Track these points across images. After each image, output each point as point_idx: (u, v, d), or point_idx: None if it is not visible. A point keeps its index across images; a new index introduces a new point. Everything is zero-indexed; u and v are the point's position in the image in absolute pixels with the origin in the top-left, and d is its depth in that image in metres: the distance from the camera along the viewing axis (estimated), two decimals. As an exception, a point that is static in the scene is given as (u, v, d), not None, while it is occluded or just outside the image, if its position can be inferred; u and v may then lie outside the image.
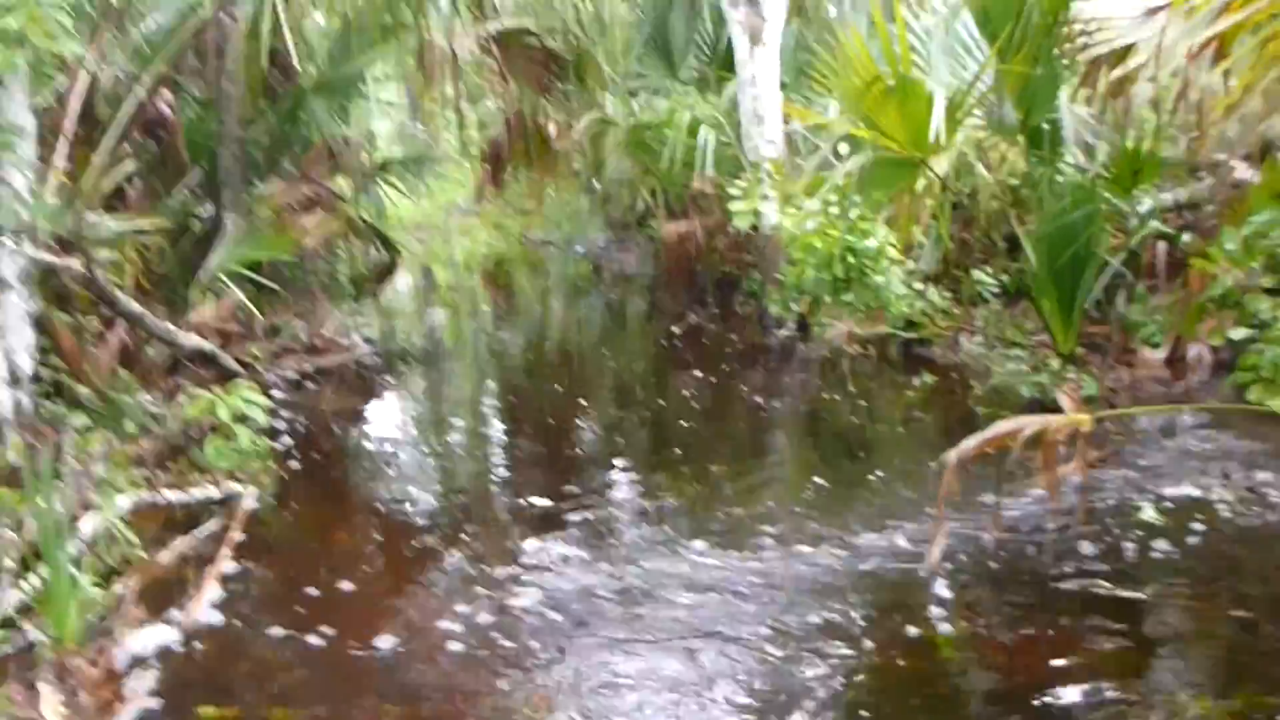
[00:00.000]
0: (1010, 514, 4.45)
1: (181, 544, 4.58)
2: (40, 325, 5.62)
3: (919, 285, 7.83)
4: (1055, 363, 6.44)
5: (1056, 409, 5.44)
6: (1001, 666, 3.40)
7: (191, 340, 7.06)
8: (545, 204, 16.08)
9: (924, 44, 6.72)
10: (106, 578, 4.13)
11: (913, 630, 3.64)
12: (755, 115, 9.21)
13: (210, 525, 4.83)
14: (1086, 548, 4.17)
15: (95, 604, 3.85)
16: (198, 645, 3.78)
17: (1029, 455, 4.02)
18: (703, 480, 5.37)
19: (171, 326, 7.03)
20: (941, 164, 6.40)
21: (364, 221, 10.74)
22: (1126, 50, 5.51)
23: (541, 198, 15.00)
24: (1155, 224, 6.87)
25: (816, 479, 5.39)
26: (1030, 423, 4.01)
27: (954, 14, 6.72)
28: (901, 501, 4.82)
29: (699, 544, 4.44)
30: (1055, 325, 6.54)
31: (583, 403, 7.41)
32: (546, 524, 4.80)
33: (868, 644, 3.57)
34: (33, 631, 3.70)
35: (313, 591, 4.21)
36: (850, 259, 7.31)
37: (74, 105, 6.40)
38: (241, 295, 7.85)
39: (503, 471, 5.88)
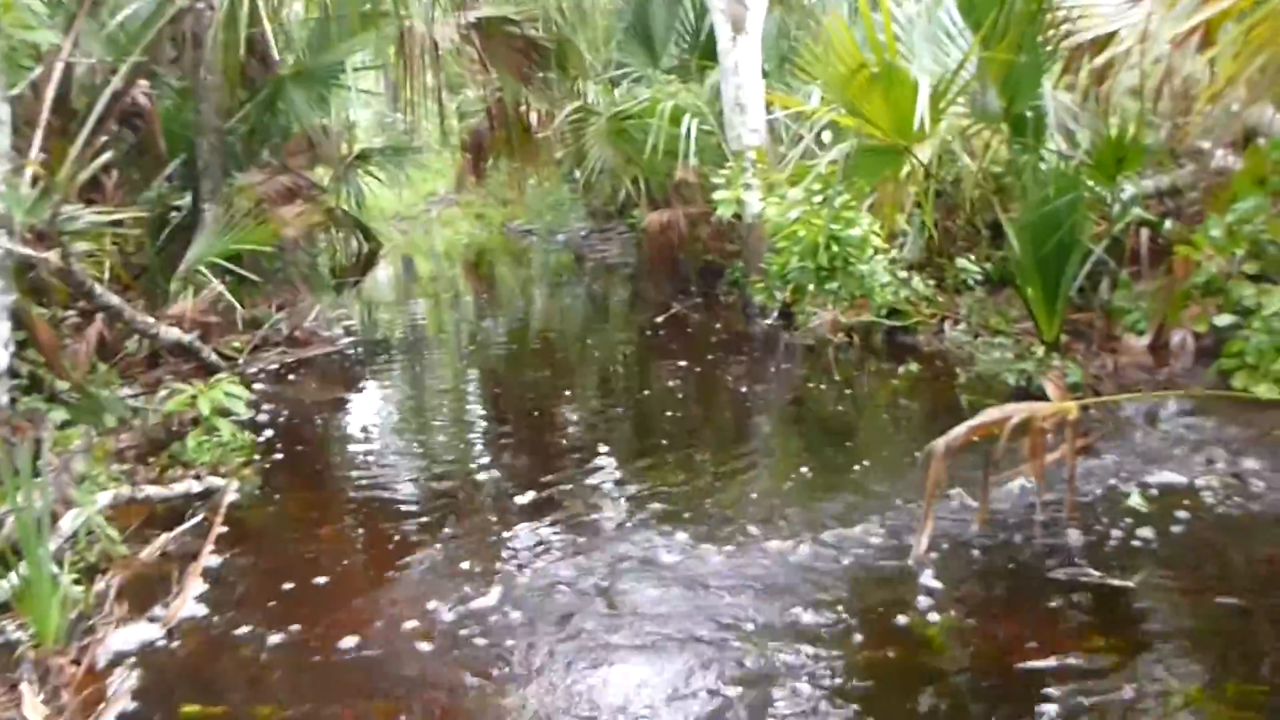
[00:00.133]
0: (997, 502, 4.44)
1: (163, 540, 4.53)
2: (17, 318, 5.55)
3: (903, 273, 7.85)
4: (1039, 350, 6.45)
5: (1042, 397, 5.46)
6: (991, 656, 3.39)
7: (171, 333, 7.01)
8: (527, 194, 16.08)
9: (906, 32, 6.71)
10: (88, 575, 4.08)
11: (901, 620, 3.62)
12: (738, 104, 9.19)
13: (192, 520, 4.78)
14: (1074, 536, 4.17)
15: (76, 602, 3.81)
16: (181, 642, 3.74)
17: (1015, 443, 4.01)
18: (687, 470, 5.35)
19: (151, 319, 6.98)
20: (925, 152, 6.40)
21: (344, 212, 10.68)
22: (1109, 38, 5.52)
23: (523, 187, 14.98)
24: (1138, 211, 6.89)
25: (802, 469, 5.37)
26: (1017, 411, 4.00)
27: (937, 1, 6.71)
28: (888, 491, 4.81)
29: (683, 535, 4.41)
30: (1039, 313, 6.54)
31: (566, 393, 7.38)
32: (529, 515, 4.78)
33: (857, 637, 3.55)
34: (13, 630, 3.66)
35: (297, 586, 4.17)
36: (834, 247, 7.31)
37: (49, 95, 6.31)
38: (221, 287, 7.79)
39: (485, 462, 5.84)
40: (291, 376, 7.87)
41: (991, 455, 4.11)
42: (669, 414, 6.61)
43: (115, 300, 6.62)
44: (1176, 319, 6.13)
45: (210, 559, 4.38)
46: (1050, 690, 3.13)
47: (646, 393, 7.35)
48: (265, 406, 6.82)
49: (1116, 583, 3.77)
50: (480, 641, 3.65)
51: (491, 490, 5.30)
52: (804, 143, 7.53)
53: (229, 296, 7.82)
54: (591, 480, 5.29)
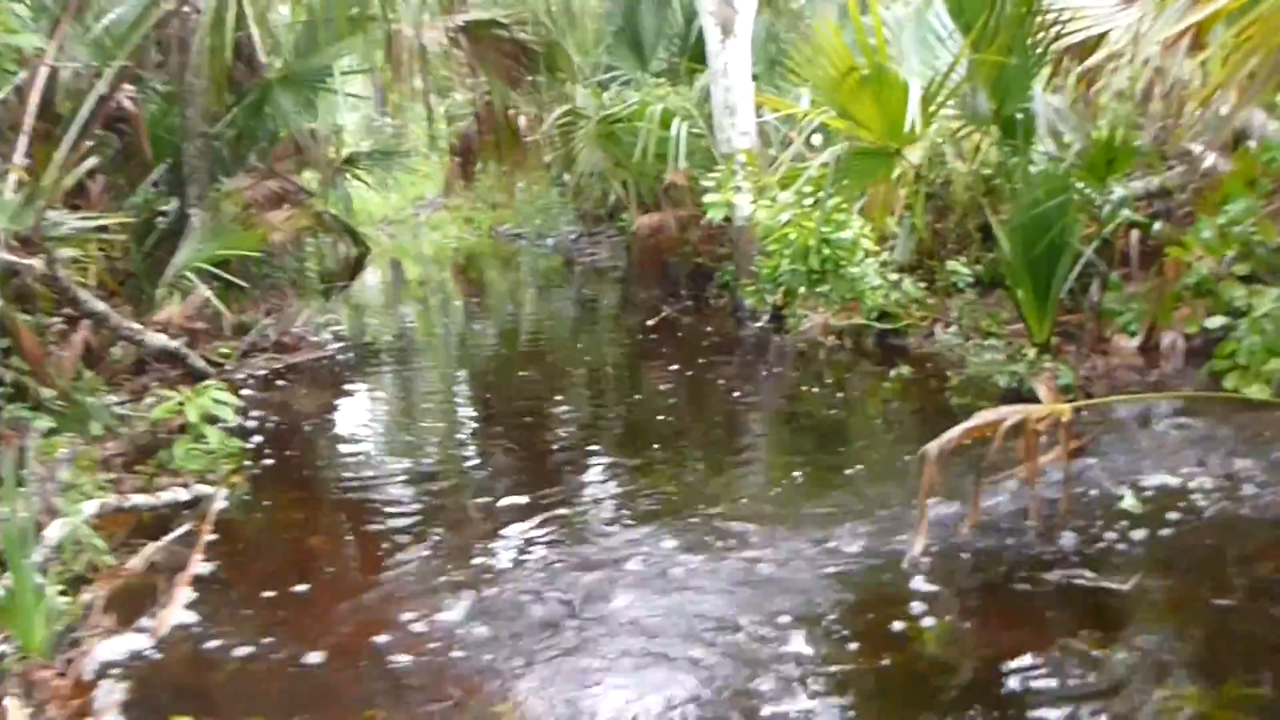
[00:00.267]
0: (991, 505, 4.43)
1: (151, 549, 4.47)
2: (1, 326, 5.50)
3: (893, 276, 7.84)
4: (1031, 352, 6.44)
5: (1033, 399, 5.45)
6: (987, 660, 3.37)
7: (158, 339, 6.94)
8: (515, 197, 16.04)
9: (895, 35, 6.70)
10: (74, 586, 4.03)
11: (897, 625, 3.60)
12: (727, 106, 9.17)
13: (180, 529, 4.73)
14: (1068, 538, 4.15)
15: (62, 613, 3.75)
16: (170, 654, 3.69)
17: (1008, 445, 3.99)
18: (678, 475, 5.32)
19: (137, 325, 6.91)
20: (916, 154, 6.38)
21: (332, 216, 10.64)
22: (1099, 40, 5.51)
23: (511, 191, 14.95)
24: (1127, 213, 6.89)
25: (794, 473, 5.35)
26: (1011, 413, 3.98)
27: (927, 4, 6.71)
28: (880, 494, 4.79)
29: (673, 542, 4.38)
30: (1030, 315, 6.54)
31: (556, 397, 7.35)
32: (518, 522, 4.72)
33: (852, 645, 3.52)
34: (-2, 643, 3.61)
35: (287, 595, 4.13)
36: (825, 250, 7.31)
37: (33, 100, 6.26)
38: (208, 293, 7.74)
39: (475, 468, 5.81)
40: (280, 382, 7.82)
41: (984, 458, 4.09)
42: (660, 418, 6.59)
43: (101, 306, 6.56)
44: (1167, 320, 6.13)
45: (199, 568, 4.33)
46: (1045, 694, 3.11)
47: (637, 397, 7.33)
48: (253, 413, 6.77)
49: (1111, 585, 3.75)
50: (467, 653, 3.61)
51: (481, 496, 5.27)
52: (794, 146, 7.53)
53: (216, 302, 7.77)
54: (582, 485, 5.26)
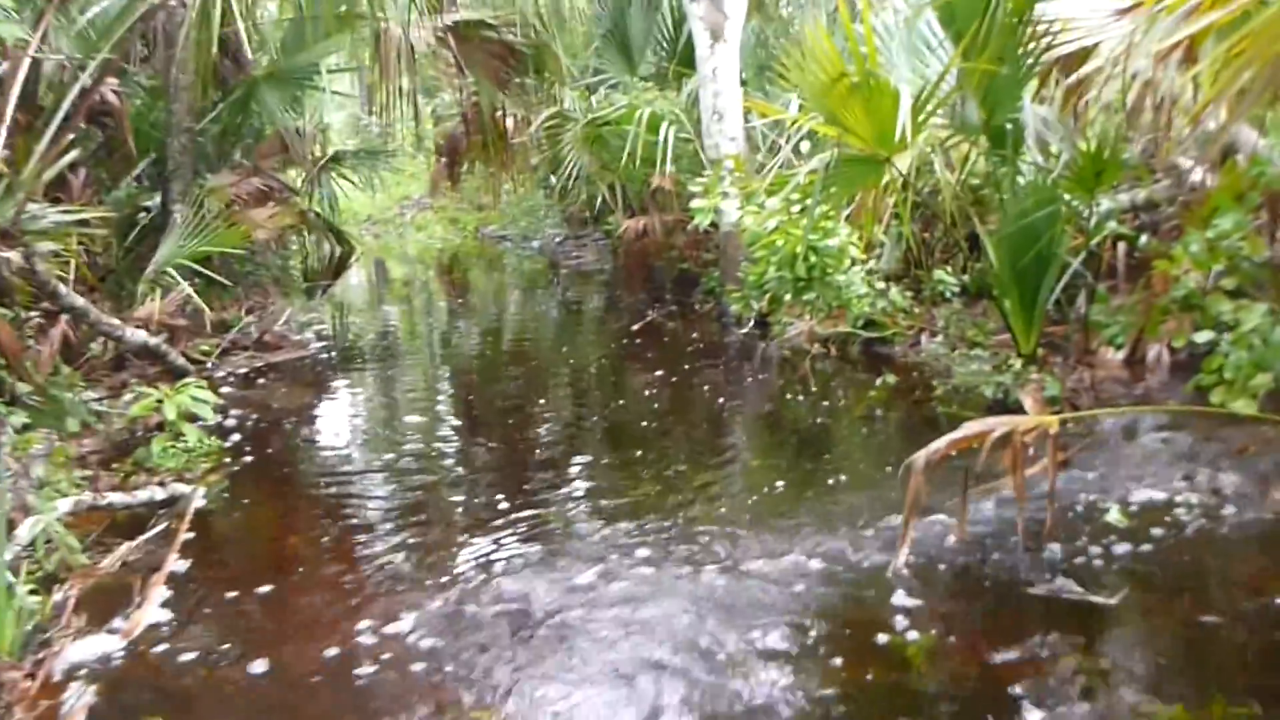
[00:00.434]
0: (977, 517, 4.40)
1: (125, 549, 4.40)
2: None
3: (880, 284, 7.82)
4: (1017, 363, 6.43)
5: (1019, 410, 5.44)
6: (971, 676, 3.34)
7: (138, 335, 6.87)
8: (502, 199, 15.97)
9: (885, 42, 6.68)
10: (45, 585, 3.96)
11: (881, 639, 3.56)
12: (715, 111, 9.15)
13: (156, 528, 4.66)
14: (1054, 552, 4.12)
15: (33, 613, 3.69)
16: (142, 655, 3.63)
17: (995, 457, 3.96)
18: (661, 483, 5.26)
19: (116, 321, 6.85)
20: (904, 162, 6.36)
21: (317, 215, 10.58)
22: (1087, 52, 5.50)
23: (498, 193, 14.87)
24: (1113, 225, 6.89)
25: (777, 482, 5.32)
26: (998, 424, 3.96)
27: (917, 12, 6.68)
28: (865, 505, 4.75)
29: (651, 551, 4.33)
30: (1017, 325, 6.52)
31: (539, 401, 7.30)
32: (496, 526, 4.68)
33: (835, 661, 3.48)
34: (-35, 643, 3.54)
35: (262, 596, 4.07)
36: (812, 257, 7.28)
37: (15, 91, 6.18)
38: (189, 290, 7.67)
39: (455, 472, 5.76)
40: (261, 381, 7.75)
41: (971, 469, 4.07)
42: (642, 424, 6.54)
43: (80, 301, 6.49)
44: (1154, 333, 6.12)
45: (174, 567, 4.27)
46: (1032, 711, 3.08)
47: (621, 402, 7.28)
48: (233, 411, 6.70)
49: (1098, 600, 3.73)
50: (444, 662, 3.56)
51: (461, 500, 5.22)
52: (782, 152, 7.50)
53: (196, 299, 7.69)
54: (561, 491, 5.22)
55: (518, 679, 3.39)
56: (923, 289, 8.05)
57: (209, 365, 7.66)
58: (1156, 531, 4.26)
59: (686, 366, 7.88)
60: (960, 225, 7.53)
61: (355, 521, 4.91)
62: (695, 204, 8.30)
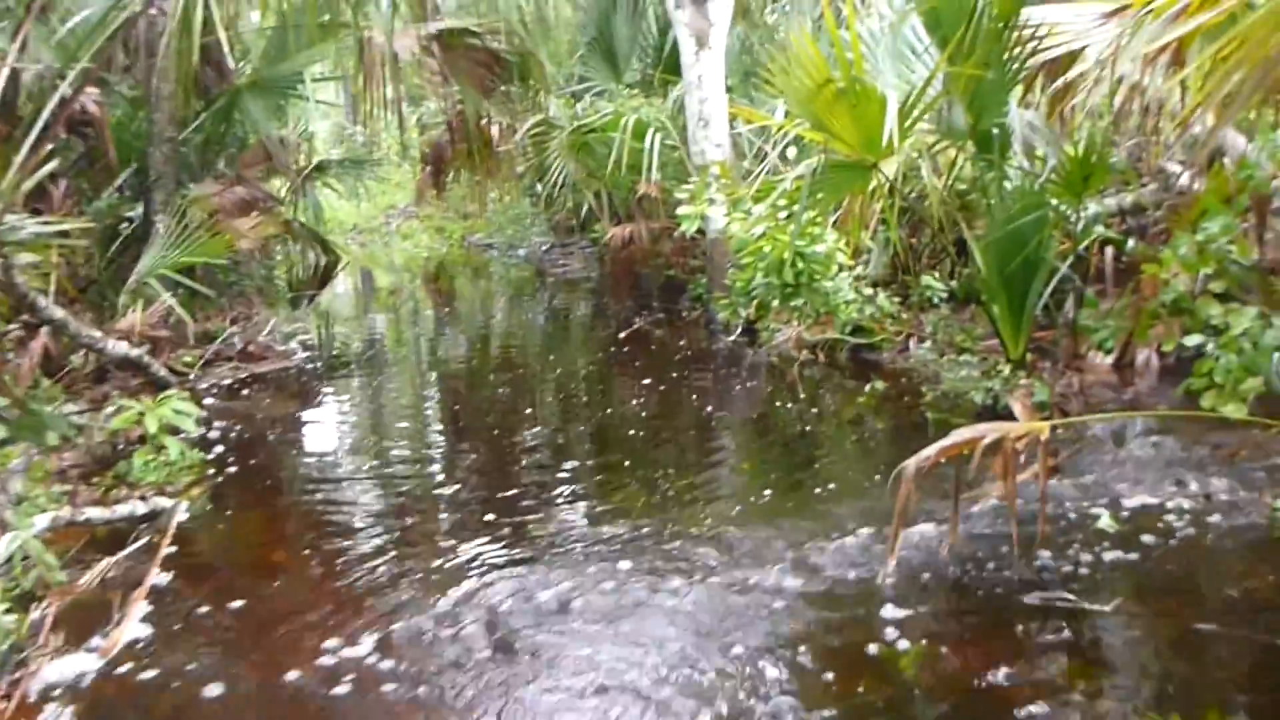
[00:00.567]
0: (968, 524, 4.36)
1: (104, 565, 4.33)
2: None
3: (868, 290, 7.78)
4: (1005, 368, 6.39)
5: (1009, 415, 5.40)
6: (964, 686, 3.29)
7: (119, 347, 6.80)
8: (487, 207, 15.93)
9: (871, 48, 6.65)
10: (22, 603, 3.89)
11: (872, 650, 3.52)
12: (701, 118, 9.12)
13: (136, 544, 4.59)
14: (1045, 558, 4.08)
15: (9, 632, 3.61)
16: (120, 674, 3.56)
17: (985, 464, 3.91)
18: (646, 493, 5.21)
19: (98, 333, 6.77)
20: (891, 168, 6.33)
21: (302, 224, 10.49)
22: (1075, 55, 5.48)
23: (484, 201, 14.83)
24: (1101, 229, 6.87)
25: (766, 491, 5.28)
26: (989, 431, 3.91)
27: (903, 18, 6.66)
28: (854, 513, 4.71)
29: (636, 563, 4.28)
30: (1005, 330, 6.50)
31: (526, 411, 7.25)
32: (480, 539, 4.61)
33: (827, 675, 3.42)
34: (-60, 663, 3.47)
35: (244, 612, 4.01)
36: (799, 264, 7.24)
37: (-8, 101, 6.12)
38: (172, 300, 7.59)
39: (441, 484, 5.69)
40: (245, 392, 7.69)
41: (961, 476, 4.02)
42: (629, 432, 6.50)
43: (60, 314, 6.41)
44: (1143, 338, 6.10)
45: (153, 584, 4.20)
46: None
47: (608, 410, 7.23)
48: (216, 423, 6.64)
49: (1091, 608, 3.69)
50: (423, 676, 3.49)
51: (444, 511, 5.16)
52: (769, 158, 7.47)
53: (179, 310, 7.62)
54: (546, 501, 5.16)
55: (498, 700, 3.33)
56: (910, 295, 8.02)
57: (192, 377, 7.59)
58: (1148, 538, 4.22)
59: (674, 374, 7.84)
60: (948, 230, 7.50)
61: (339, 534, 4.84)
62: (682, 211, 8.26)
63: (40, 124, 6.64)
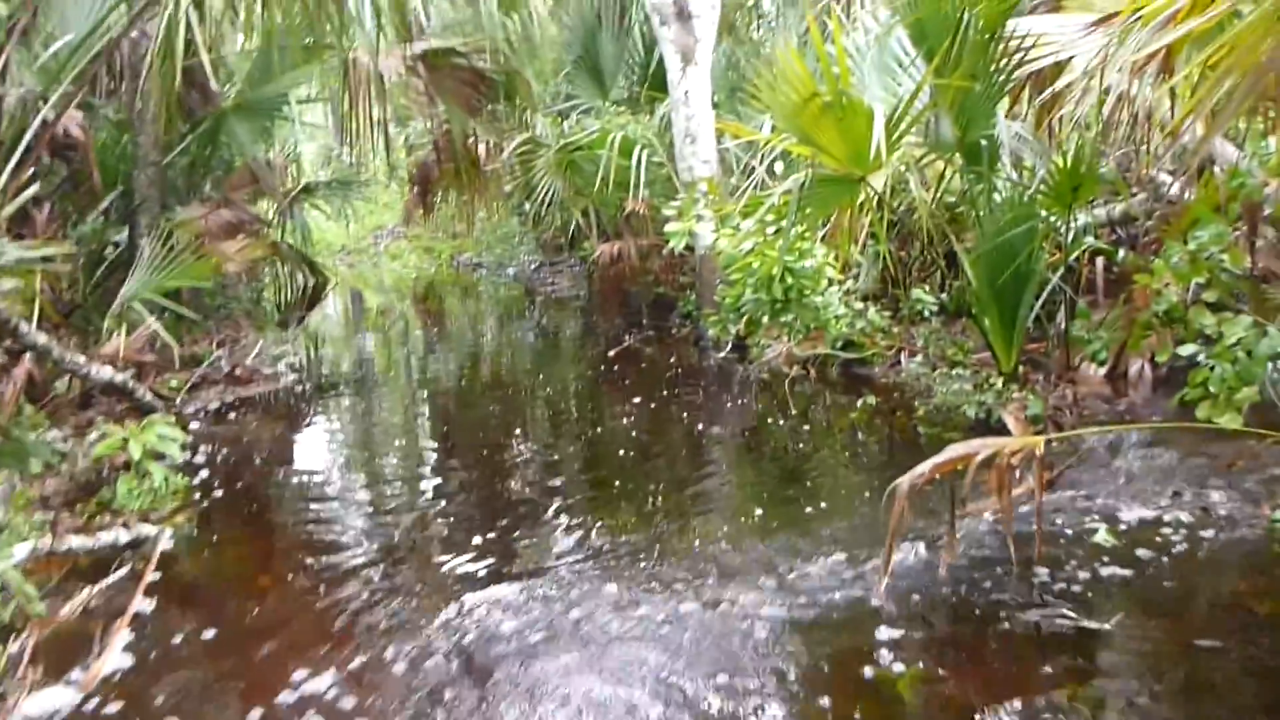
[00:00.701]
0: (963, 541, 4.30)
1: (86, 595, 4.25)
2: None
3: (858, 305, 7.75)
4: (998, 381, 6.36)
5: (1002, 429, 5.36)
6: (965, 708, 3.23)
7: (104, 372, 6.72)
8: (475, 227, 15.91)
9: (858, 61, 6.63)
10: (1, 636, 3.81)
11: (868, 672, 3.45)
12: (688, 134, 9.10)
13: (119, 572, 4.51)
14: (1042, 574, 4.03)
15: (-14, 666, 3.55)
16: (100, 708, 3.48)
17: (979, 479, 3.86)
18: (636, 514, 5.15)
19: (82, 358, 6.69)
20: (879, 181, 6.30)
21: (289, 246, 10.44)
22: (1062, 66, 5.47)
23: (471, 220, 14.81)
24: (1091, 240, 6.85)
25: (757, 510, 5.21)
26: (983, 446, 3.86)
27: (888, 31, 6.65)
28: (848, 531, 4.65)
29: (627, 586, 4.21)
30: (997, 343, 6.46)
31: (516, 431, 7.18)
32: (467, 563, 4.54)
33: (823, 700, 3.36)
34: (-84, 698, 3.39)
35: (229, 641, 3.93)
36: (788, 279, 7.21)
37: (-28, 126, 6.05)
38: (157, 325, 7.52)
39: (429, 507, 5.61)
40: (231, 416, 7.61)
41: (956, 492, 3.97)
42: (620, 451, 6.43)
43: (44, 339, 6.33)
44: (1136, 348, 6.06)
45: (135, 615, 4.11)
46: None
47: (599, 430, 7.17)
48: (202, 448, 6.56)
49: (1091, 625, 3.63)
50: (407, 707, 3.43)
51: (434, 537, 5.08)
52: (756, 173, 7.44)
53: (164, 334, 7.54)
54: (535, 523, 5.09)
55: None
56: (901, 308, 7.99)
57: (178, 401, 7.51)
58: (1146, 552, 4.17)
59: (664, 392, 7.78)
60: (937, 243, 7.48)
61: (325, 559, 4.75)
62: (670, 227, 8.23)
63: (23, 147, 6.58)
